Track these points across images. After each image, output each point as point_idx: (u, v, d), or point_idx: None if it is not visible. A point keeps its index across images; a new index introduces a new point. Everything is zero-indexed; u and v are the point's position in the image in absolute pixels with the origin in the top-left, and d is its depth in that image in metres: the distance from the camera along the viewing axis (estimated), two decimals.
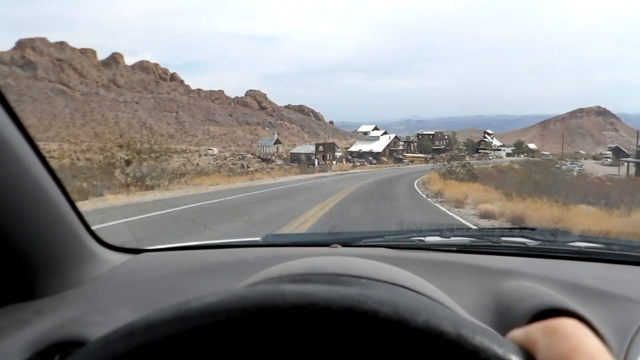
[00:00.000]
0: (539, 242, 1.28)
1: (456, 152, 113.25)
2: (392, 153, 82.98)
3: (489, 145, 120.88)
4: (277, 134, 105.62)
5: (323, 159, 65.69)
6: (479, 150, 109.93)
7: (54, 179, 0.89)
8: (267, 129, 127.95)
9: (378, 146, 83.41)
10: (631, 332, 0.75)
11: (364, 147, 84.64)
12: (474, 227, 8.05)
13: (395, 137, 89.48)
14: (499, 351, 0.28)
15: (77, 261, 0.98)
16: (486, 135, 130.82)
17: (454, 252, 1.19)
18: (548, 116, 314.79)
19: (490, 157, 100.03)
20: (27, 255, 0.85)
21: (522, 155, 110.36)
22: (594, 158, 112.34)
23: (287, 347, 0.32)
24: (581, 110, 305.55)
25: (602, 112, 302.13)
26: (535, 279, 0.91)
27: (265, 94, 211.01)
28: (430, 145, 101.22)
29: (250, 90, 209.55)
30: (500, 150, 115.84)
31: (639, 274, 1.10)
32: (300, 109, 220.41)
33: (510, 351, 0.28)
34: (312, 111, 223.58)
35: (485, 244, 1.28)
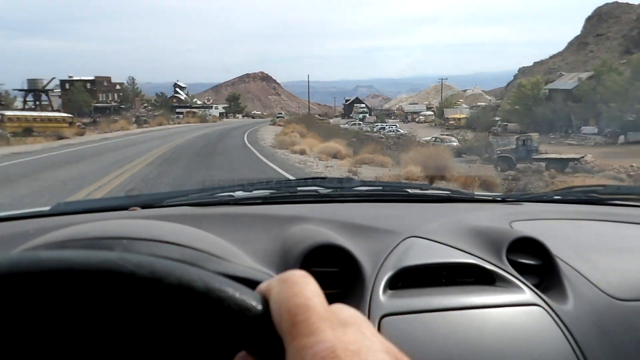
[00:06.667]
0: (330, 189, 1.38)
1: (143, 110, 69.92)
2: None
3: (185, 102, 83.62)
4: None
5: None
6: (177, 109, 71.11)
7: None
8: None
9: None
10: (382, 257, 0.87)
11: None
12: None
13: None
14: (239, 298, 0.32)
15: None
16: (178, 90, 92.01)
17: (254, 205, 1.23)
18: (217, 82, 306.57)
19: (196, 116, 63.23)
20: None
21: (239, 116, 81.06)
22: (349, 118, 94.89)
23: (47, 311, 0.32)
24: (247, 75, 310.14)
25: (265, 78, 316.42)
26: (317, 222, 1.00)
27: None
28: (91, 100, 54.11)
29: None
30: (212, 108, 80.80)
31: (403, 209, 1.25)
32: None
33: (250, 298, 0.33)
34: None
35: (283, 194, 1.36)
